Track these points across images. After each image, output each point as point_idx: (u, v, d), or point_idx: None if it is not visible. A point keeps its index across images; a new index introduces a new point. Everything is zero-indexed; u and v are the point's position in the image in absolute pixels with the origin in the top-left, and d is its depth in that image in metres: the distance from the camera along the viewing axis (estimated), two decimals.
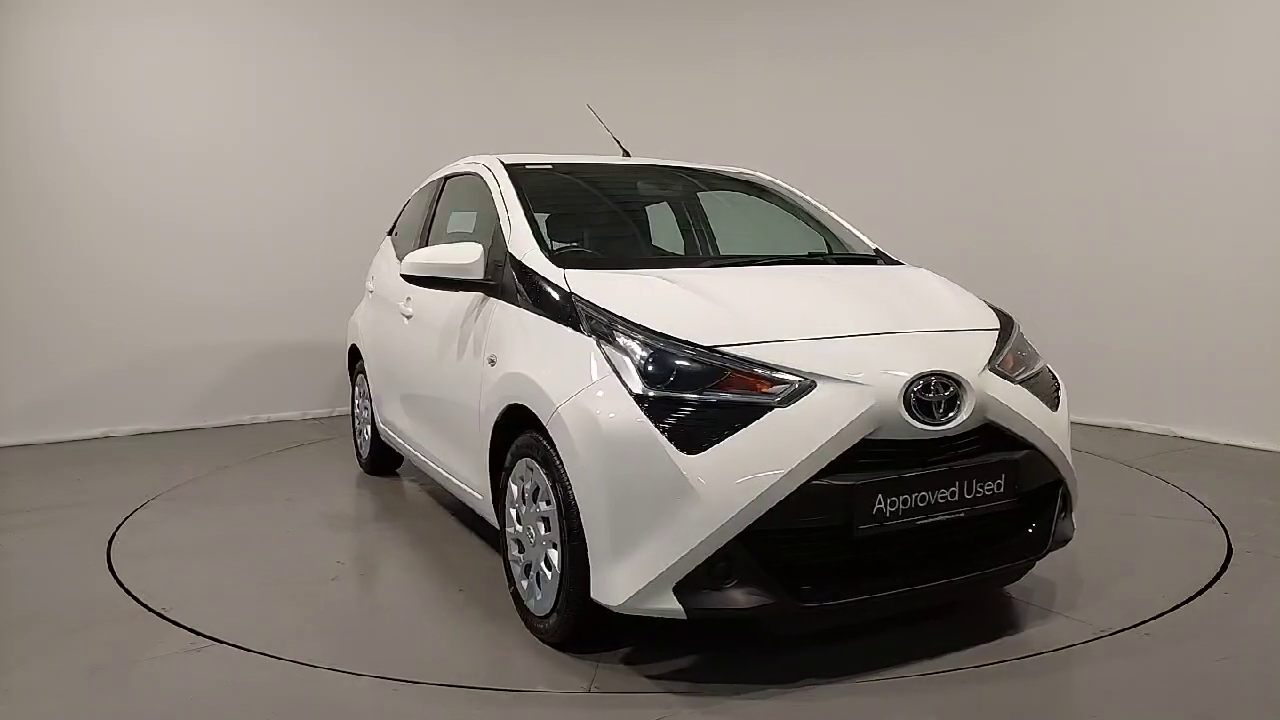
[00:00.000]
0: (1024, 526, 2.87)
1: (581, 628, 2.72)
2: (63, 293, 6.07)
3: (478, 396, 3.19)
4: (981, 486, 2.64)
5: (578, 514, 2.57)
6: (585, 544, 2.56)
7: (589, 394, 2.56)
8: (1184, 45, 5.88)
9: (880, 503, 2.48)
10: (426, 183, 4.76)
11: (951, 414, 2.60)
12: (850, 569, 2.59)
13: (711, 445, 2.40)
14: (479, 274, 3.22)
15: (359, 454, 5.30)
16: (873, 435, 2.49)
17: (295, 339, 6.78)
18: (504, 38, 7.56)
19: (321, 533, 4.14)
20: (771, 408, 2.45)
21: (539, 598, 2.84)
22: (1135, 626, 2.95)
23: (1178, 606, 3.13)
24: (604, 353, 2.62)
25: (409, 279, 3.36)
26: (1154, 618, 3.03)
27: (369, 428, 5.00)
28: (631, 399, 2.49)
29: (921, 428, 2.54)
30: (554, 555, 2.72)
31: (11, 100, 5.87)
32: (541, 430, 2.73)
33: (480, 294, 3.33)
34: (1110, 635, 2.89)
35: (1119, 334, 6.17)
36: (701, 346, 2.56)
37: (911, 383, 2.55)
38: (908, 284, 3.29)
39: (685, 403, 2.46)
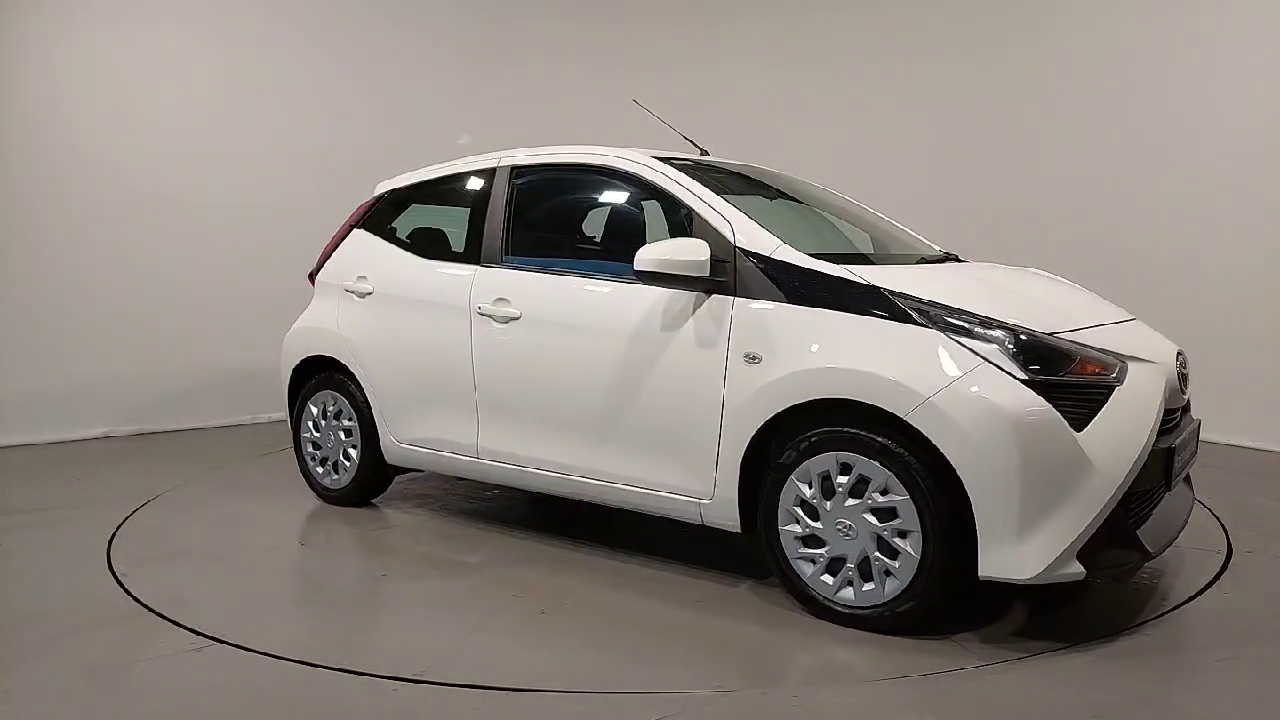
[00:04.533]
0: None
1: (940, 609, 2.88)
2: (62, 293, 6.06)
3: (718, 397, 3.15)
4: (1194, 444, 3.25)
5: (961, 498, 2.72)
6: (974, 525, 2.71)
7: (970, 383, 2.72)
8: (1185, 45, 5.88)
9: (1176, 461, 2.96)
10: (447, 173, 4.33)
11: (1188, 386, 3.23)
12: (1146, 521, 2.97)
13: (1090, 421, 2.71)
14: (707, 271, 3.16)
15: (321, 486, 4.55)
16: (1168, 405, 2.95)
17: None
18: (498, 40, 7.57)
19: (324, 530, 4.15)
20: (1114, 386, 2.80)
21: (867, 588, 2.91)
22: (1135, 627, 2.96)
23: (1178, 606, 3.13)
24: (963, 344, 2.78)
25: (645, 275, 3.25)
26: (1154, 618, 3.03)
27: (352, 452, 4.39)
28: (1021, 384, 2.70)
29: (1183, 397, 3.15)
30: (904, 543, 2.83)
31: (15, 97, 5.87)
32: (878, 423, 2.84)
33: (696, 292, 3.24)
34: (1110, 636, 2.89)
35: None
36: (1048, 334, 2.83)
37: (1177, 358, 3.13)
38: (1054, 279, 3.64)
39: (1060, 386, 2.73)
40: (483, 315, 3.83)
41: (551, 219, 4.18)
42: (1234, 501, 4.42)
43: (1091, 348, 2.86)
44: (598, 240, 4.07)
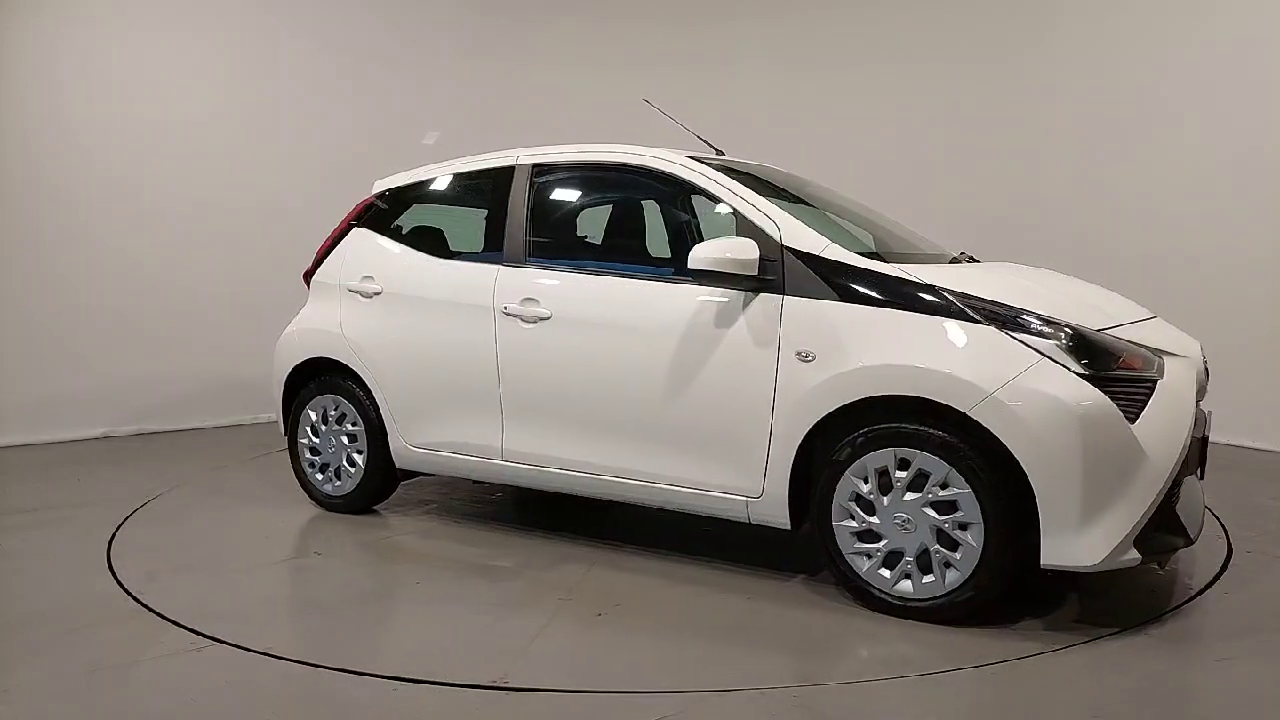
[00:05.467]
0: None
1: (997, 598, 2.96)
2: (62, 294, 6.06)
3: (769, 395, 3.18)
4: (1206, 429, 3.30)
5: (1021, 489, 2.80)
6: (1036, 515, 2.79)
7: (1031, 378, 2.79)
8: (1186, 45, 5.89)
9: (1206, 450, 3.14)
10: (457, 171, 4.27)
11: None
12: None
13: (1140, 413, 2.81)
14: (756, 270, 3.20)
15: (322, 494, 4.42)
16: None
17: None
18: (498, 41, 7.58)
19: (335, 537, 4.12)
20: (1156, 380, 2.91)
21: (927, 580, 2.98)
22: (1135, 627, 2.96)
23: (1178, 606, 3.14)
24: (1022, 341, 2.86)
25: (698, 274, 3.25)
26: (1154, 618, 3.03)
27: (357, 458, 4.28)
28: (1080, 379, 2.79)
29: (1205, 390, 3.27)
30: (966, 535, 2.90)
31: (16, 99, 5.87)
32: (934, 418, 2.91)
33: (744, 291, 3.26)
34: (1110, 635, 2.89)
35: None
36: (1096, 330, 2.94)
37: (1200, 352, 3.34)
38: (1073, 280, 3.67)
39: (1113, 379, 2.83)
40: (508, 315, 3.76)
41: (582, 219, 4.14)
42: (1234, 501, 4.42)
43: (1134, 343, 2.98)
44: (631, 240, 4.07)
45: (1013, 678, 2.62)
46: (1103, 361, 2.85)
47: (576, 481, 3.69)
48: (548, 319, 3.68)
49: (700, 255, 3.22)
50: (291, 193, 6.77)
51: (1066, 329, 2.88)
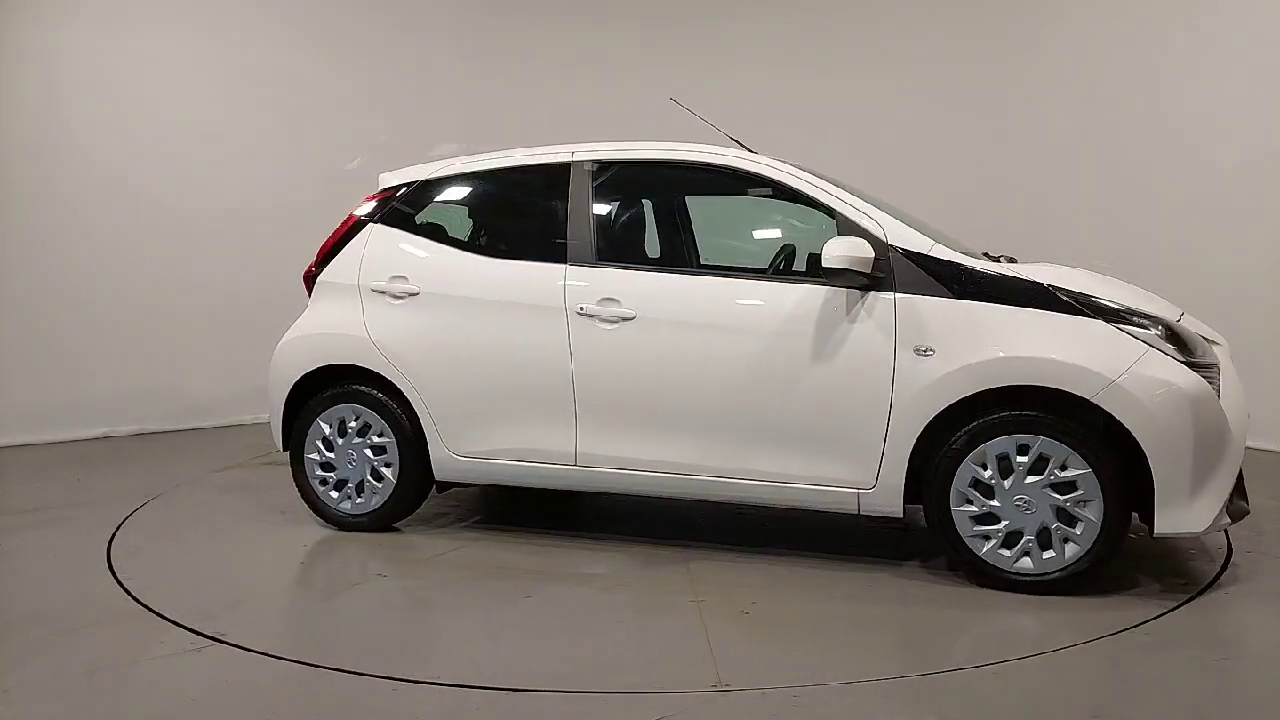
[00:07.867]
0: None
1: (1107, 569, 3.22)
2: (62, 294, 6.07)
3: (885, 389, 3.29)
4: None
5: (1132, 466, 3.09)
6: (1152, 488, 3.06)
7: (1145, 366, 3.08)
8: (1188, 46, 5.88)
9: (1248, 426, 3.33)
10: (495, 166, 4.07)
11: None
12: None
13: (1221, 394, 3.14)
14: (870, 268, 3.29)
15: (338, 512, 4.05)
16: None
17: None
18: (497, 40, 7.58)
19: (356, 549, 4.04)
20: (1218, 364, 3.23)
21: (1048, 555, 3.19)
22: (1135, 626, 2.95)
23: (1178, 606, 3.13)
24: (1129, 332, 3.13)
25: (831, 271, 3.29)
26: (1154, 618, 3.03)
27: (385, 471, 3.97)
28: (1185, 366, 3.10)
29: None
30: (1085, 511, 3.14)
31: (16, 100, 5.87)
32: (1052, 406, 3.14)
33: (853, 289, 3.34)
34: (1111, 635, 2.89)
35: None
36: (1174, 322, 3.23)
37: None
38: (1109, 278, 3.82)
39: (1199, 365, 3.14)
40: (584, 316, 3.65)
41: (654, 217, 4.15)
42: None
43: (1199, 333, 3.28)
44: (709, 239, 4.12)
45: (1011, 678, 2.62)
46: (1188, 349, 3.15)
47: (664, 483, 3.64)
48: (631, 319, 3.60)
49: (834, 254, 3.27)
50: (291, 193, 6.76)
51: (1160, 322, 3.18)
